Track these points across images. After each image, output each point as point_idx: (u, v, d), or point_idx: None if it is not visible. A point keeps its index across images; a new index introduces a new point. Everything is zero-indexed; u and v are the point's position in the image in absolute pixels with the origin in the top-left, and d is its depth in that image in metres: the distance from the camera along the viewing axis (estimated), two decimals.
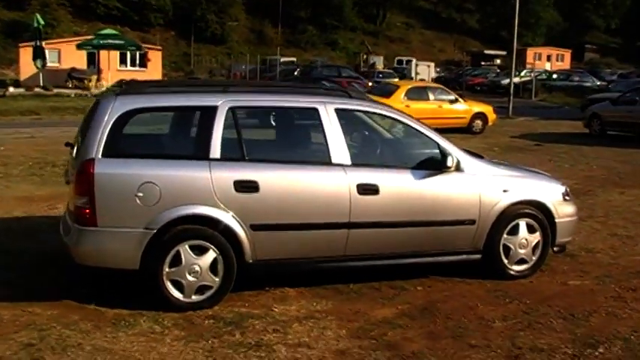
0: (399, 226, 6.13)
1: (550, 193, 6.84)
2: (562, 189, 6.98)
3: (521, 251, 6.63)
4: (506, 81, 44.43)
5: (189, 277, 5.54)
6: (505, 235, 6.54)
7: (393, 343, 5.11)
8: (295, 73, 41.35)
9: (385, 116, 6.48)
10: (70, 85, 37.45)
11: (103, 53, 39.83)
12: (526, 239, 6.62)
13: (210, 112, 5.71)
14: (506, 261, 6.60)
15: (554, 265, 7.09)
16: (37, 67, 35.66)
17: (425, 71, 52.48)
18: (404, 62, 57.65)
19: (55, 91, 34.32)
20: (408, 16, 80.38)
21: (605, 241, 8.28)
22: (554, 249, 6.92)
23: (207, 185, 5.53)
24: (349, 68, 46.08)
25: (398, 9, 78.90)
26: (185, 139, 6.17)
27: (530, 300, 6.10)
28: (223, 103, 5.74)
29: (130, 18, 59.29)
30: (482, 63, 65.50)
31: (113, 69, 40.98)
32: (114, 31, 42.06)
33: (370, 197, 5.96)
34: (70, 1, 57.20)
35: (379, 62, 58.19)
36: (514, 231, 6.57)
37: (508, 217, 6.51)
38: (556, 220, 6.76)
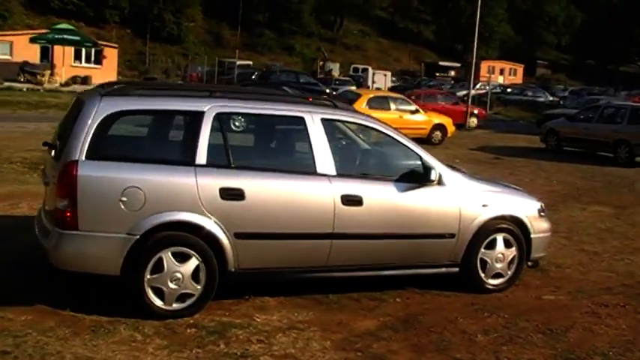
0: (382, 237, 6.14)
1: (526, 208, 6.94)
2: (537, 205, 7.10)
3: (498, 265, 6.70)
4: (461, 93, 45.21)
5: (171, 285, 5.44)
6: (482, 250, 6.61)
7: (379, 355, 5.10)
8: (253, 77, 41.17)
9: (370, 127, 6.47)
10: (22, 80, 36.57)
11: (58, 48, 39.03)
12: (502, 254, 6.70)
13: (197, 117, 5.61)
14: (482, 275, 6.66)
15: (527, 280, 7.19)
16: None
17: (381, 80, 52.79)
18: (360, 70, 57.95)
19: (6, 84, 33.47)
20: (365, 24, 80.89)
21: (574, 256, 8.44)
22: (529, 264, 7.03)
23: (193, 192, 5.43)
24: (307, 74, 46.11)
25: (355, 17, 79.32)
26: (171, 144, 6.05)
27: (508, 314, 6.17)
28: (210, 109, 5.66)
29: (86, 13, 58.12)
30: (437, 74, 66.42)
31: (67, 64, 40.26)
32: (70, 27, 41.24)
33: (354, 208, 5.95)
34: None
35: (335, 69, 58.38)
36: (491, 245, 6.64)
37: (486, 231, 6.58)
38: (532, 236, 6.86)
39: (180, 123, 5.92)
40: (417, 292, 6.61)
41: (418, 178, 6.27)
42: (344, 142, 6.80)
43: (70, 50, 41.35)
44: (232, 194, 5.54)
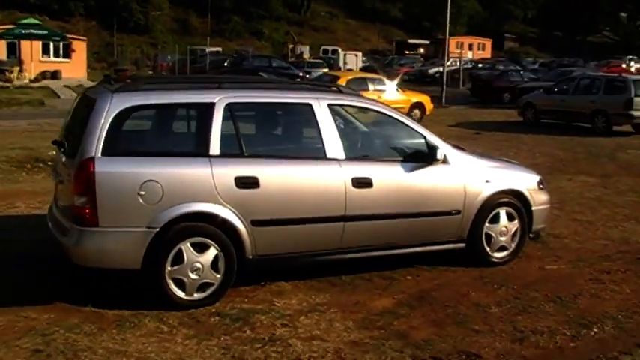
0: (392, 217, 6.28)
1: (527, 182, 7.13)
2: (537, 178, 7.29)
3: (502, 239, 6.89)
4: (433, 70, 45.50)
5: (192, 275, 5.53)
6: (487, 224, 6.78)
7: (401, 332, 5.25)
8: (225, 64, 40.94)
9: (375, 111, 6.58)
10: None
11: (25, 43, 38.47)
12: (506, 227, 6.88)
13: (208, 108, 5.68)
14: (488, 248, 6.85)
15: (529, 251, 7.39)
16: None
17: (353, 61, 52.82)
18: (329, 52, 57.95)
19: None
20: (332, 5, 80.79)
21: (569, 226, 8.67)
22: (531, 235, 7.22)
23: (209, 182, 5.51)
24: (279, 58, 46.04)
25: None
26: (183, 136, 6.12)
27: (517, 285, 6.36)
28: (220, 100, 5.73)
29: (50, 7, 57.35)
30: (407, 52, 66.62)
31: (36, 60, 39.67)
32: (36, 21, 40.60)
33: (364, 190, 6.08)
34: None
35: (305, 52, 58.32)
36: (495, 220, 6.82)
37: (490, 206, 6.76)
38: (532, 209, 7.05)
39: (192, 115, 5.99)
40: (425, 268, 6.77)
41: (424, 157, 6.42)
42: (351, 126, 6.91)
43: (38, 45, 40.66)
44: (247, 183, 5.63)
